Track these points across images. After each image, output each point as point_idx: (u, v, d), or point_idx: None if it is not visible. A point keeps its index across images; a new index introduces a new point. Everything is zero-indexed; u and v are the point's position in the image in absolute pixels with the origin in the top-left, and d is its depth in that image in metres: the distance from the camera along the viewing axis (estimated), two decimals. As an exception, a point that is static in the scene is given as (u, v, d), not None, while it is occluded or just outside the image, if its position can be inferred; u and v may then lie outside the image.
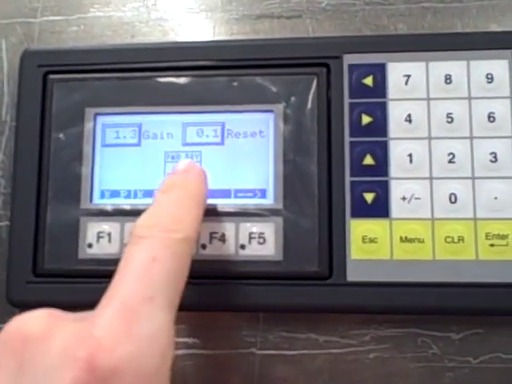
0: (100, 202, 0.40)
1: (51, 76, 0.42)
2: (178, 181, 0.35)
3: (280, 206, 0.38)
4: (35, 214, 0.40)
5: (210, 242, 0.38)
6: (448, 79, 0.38)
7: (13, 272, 0.40)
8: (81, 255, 0.39)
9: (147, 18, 0.44)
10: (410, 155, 0.38)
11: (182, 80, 0.41)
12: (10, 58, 0.45)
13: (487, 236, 0.36)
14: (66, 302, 0.38)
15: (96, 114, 0.41)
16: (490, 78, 0.38)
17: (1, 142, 0.43)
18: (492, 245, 0.36)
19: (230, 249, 0.38)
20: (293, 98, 0.39)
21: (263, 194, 0.39)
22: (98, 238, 0.39)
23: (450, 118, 0.38)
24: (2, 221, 0.42)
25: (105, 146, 0.41)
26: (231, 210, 0.39)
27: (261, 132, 0.40)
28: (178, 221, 0.32)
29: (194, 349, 0.39)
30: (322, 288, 0.37)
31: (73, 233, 0.40)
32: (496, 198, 0.37)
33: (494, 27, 0.40)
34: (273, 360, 0.39)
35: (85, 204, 0.40)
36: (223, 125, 0.40)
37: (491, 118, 0.37)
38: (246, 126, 0.40)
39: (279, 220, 0.38)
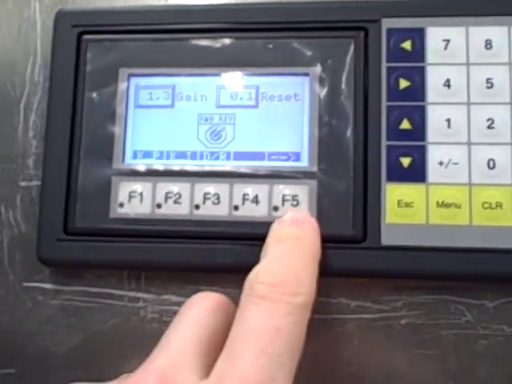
0: (132, 162, 0.40)
1: (85, 36, 0.42)
2: (292, 231, 0.34)
3: (314, 168, 0.38)
4: (67, 173, 0.40)
5: (243, 204, 0.38)
6: (488, 44, 0.38)
7: (44, 230, 0.40)
8: (112, 214, 0.39)
9: (182, -19, 0.44)
10: (448, 120, 0.37)
11: (217, 42, 0.40)
12: (44, 18, 0.44)
13: (525, 202, 0.36)
14: (97, 261, 0.38)
15: (130, 75, 0.41)
16: (531, 44, 0.37)
17: (33, 102, 0.43)
18: (531, 211, 0.36)
19: (262, 210, 0.38)
20: (329, 62, 0.39)
21: (297, 157, 0.38)
22: (130, 197, 0.39)
23: (489, 84, 0.37)
24: (33, 181, 0.42)
25: (138, 106, 0.41)
26: (264, 172, 0.38)
27: (296, 95, 0.39)
28: (300, 281, 0.31)
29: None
30: (355, 251, 0.37)
31: (104, 192, 0.39)
32: (536, 165, 0.36)
33: (537, -7, 0.40)
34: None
35: (117, 164, 0.40)
36: (258, 88, 0.40)
37: (533, 83, 0.37)
38: (280, 89, 0.40)
39: (313, 183, 0.38)
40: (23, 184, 0.42)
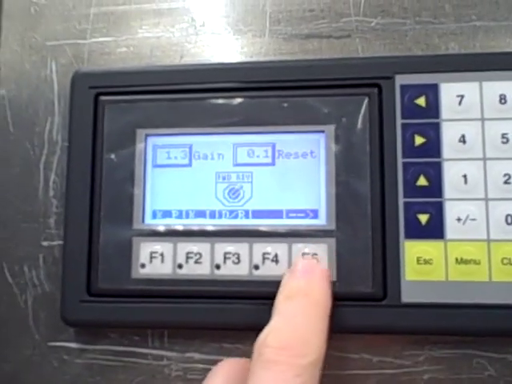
0: (152, 222, 0.40)
1: (102, 97, 0.42)
2: (302, 286, 0.35)
3: (333, 226, 0.38)
4: (88, 234, 0.40)
5: (263, 263, 0.39)
6: (503, 99, 0.38)
7: (67, 292, 0.40)
8: (134, 275, 0.40)
9: (196, 39, 0.45)
10: (465, 176, 0.37)
11: (232, 101, 0.41)
12: (60, 78, 0.45)
13: (545, 258, 0.36)
14: (119, 322, 0.39)
15: (147, 135, 0.41)
16: (546, 98, 0.38)
17: (52, 161, 0.44)
18: (550, 267, 0.36)
19: (282, 269, 0.38)
20: (344, 119, 0.39)
21: (315, 214, 0.39)
22: (151, 258, 0.40)
23: (505, 139, 0.37)
24: (54, 240, 0.43)
25: (156, 166, 0.41)
26: (283, 230, 0.39)
27: (312, 152, 0.40)
28: (307, 343, 0.31)
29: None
30: (376, 309, 0.37)
31: (126, 253, 0.40)
32: (553, 220, 0.36)
33: (548, 46, 0.40)
34: (325, 380, 0.38)
35: (137, 224, 0.40)
36: (274, 145, 0.40)
37: (547, 138, 0.37)
38: (296, 146, 0.40)
39: (332, 241, 0.38)
40: (45, 244, 0.43)
